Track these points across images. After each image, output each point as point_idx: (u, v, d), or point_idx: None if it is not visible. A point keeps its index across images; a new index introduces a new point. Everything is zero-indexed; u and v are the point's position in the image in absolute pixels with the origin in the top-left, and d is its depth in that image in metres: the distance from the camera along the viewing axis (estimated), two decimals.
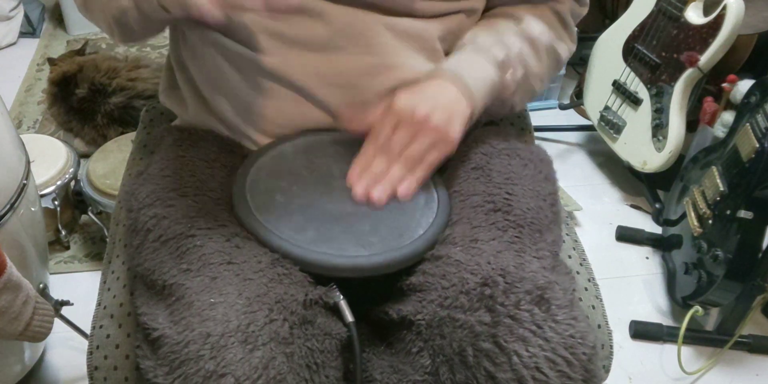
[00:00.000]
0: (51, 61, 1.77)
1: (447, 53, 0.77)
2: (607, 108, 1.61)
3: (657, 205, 1.59)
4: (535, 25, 0.77)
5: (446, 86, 0.69)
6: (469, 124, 0.70)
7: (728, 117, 1.31)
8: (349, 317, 0.62)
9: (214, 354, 0.53)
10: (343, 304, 0.62)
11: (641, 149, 1.52)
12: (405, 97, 0.67)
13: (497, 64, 0.73)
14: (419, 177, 0.66)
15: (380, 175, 0.65)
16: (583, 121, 1.86)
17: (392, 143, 0.66)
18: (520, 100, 0.79)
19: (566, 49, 0.82)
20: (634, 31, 1.51)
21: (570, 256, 0.80)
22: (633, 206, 1.67)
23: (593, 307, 0.75)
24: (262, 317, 0.56)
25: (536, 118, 1.58)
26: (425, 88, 0.69)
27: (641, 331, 1.34)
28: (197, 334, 0.55)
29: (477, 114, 0.71)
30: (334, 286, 0.63)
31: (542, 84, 0.81)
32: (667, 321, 1.37)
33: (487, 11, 0.81)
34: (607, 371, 0.73)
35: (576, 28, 0.83)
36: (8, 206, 0.92)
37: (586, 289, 0.77)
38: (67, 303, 1.03)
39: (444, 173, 0.75)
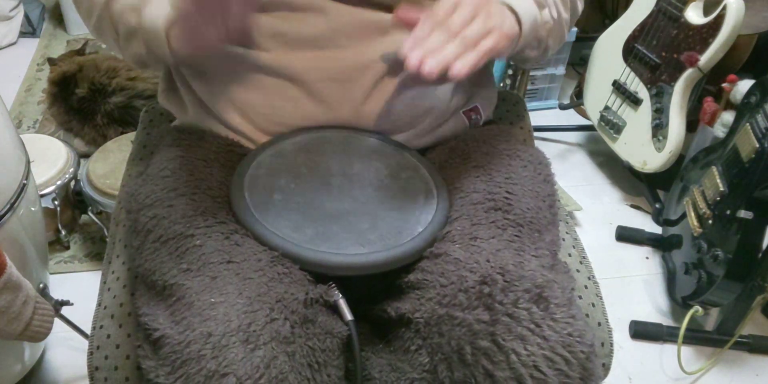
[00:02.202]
0: (51, 61, 1.77)
1: None
2: (607, 108, 1.61)
3: (657, 205, 1.60)
4: None
5: (496, 3, 0.68)
6: (513, 46, 0.69)
7: (728, 117, 1.31)
8: (348, 316, 0.62)
9: (215, 354, 0.53)
10: (342, 303, 0.62)
11: (641, 149, 1.52)
12: None
13: (537, 0, 0.72)
14: (472, 60, 0.63)
15: (435, 49, 0.62)
16: (583, 121, 1.87)
17: (454, 20, 0.63)
18: (553, 43, 0.79)
19: (581, 4, 0.83)
20: (634, 31, 1.51)
21: (570, 255, 0.80)
22: (633, 206, 1.67)
23: (593, 305, 0.75)
24: (263, 316, 0.56)
25: (536, 118, 1.58)
26: None
27: (641, 331, 1.34)
28: (198, 334, 0.55)
29: (521, 41, 0.70)
30: (333, 285, 0.63)
31: (567, 31, 0.81)
32: (667, 321, 1.37)
33: None
34: (608, 369, 0.73)
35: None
36: (8, 206, 0.92)
37: (586, 287, 0.77)
38: (67, 303, 1.03)
39: (444, 170, 0.76)
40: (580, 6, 0.84)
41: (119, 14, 0.72)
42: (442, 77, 0.62)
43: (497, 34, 0.64)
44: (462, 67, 0.62)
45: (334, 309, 0.63)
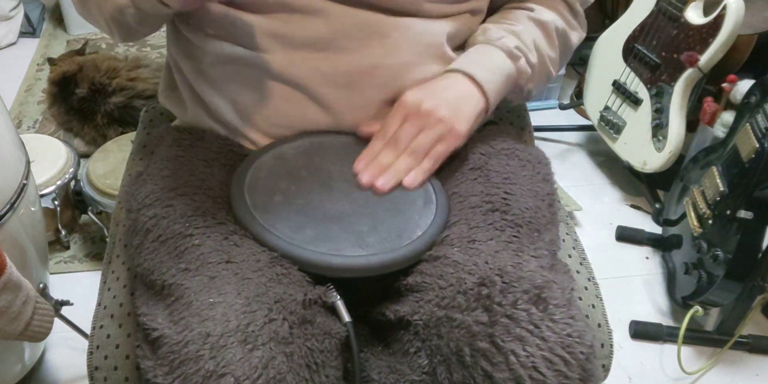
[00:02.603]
0: (51, 61, 1.77)
1: (452, 51, 0.77)
2: (607, 108, 1.61)
3: (657, 205, 1.59)
4: (546, 13, 0.79)
5: (457, 81, 0.72)
6: (485, 117, 0.73)
7: (728, 117, 1.31)
8: (346, 317, 0.62)
9: (213, 354, 0.53)
10: (340, 304, 0.62)
11: (641, 149, 1.52)
12: (412, 93, 0.70)
13: (510, 53, 0.74)
14: (426, 168, 0.70)
15: (386, 166, 0.69)
16: (583, 121, 1.87)
17: (399, 136, 0.69)
18: (536, 85, 0.80)
19: (577, 36, 0.84)
20: (634, 31, 1.51)
21: (570, 256, 0.80)
22: (633, 206, 1.67)
23: (593, 306, 0.75)
24: (261, 317, 0.56)
25: (536, 118, 1.58)
26: (434, 83, 0.72)
27: (641, 331, 1.34)
28: (197, 334, 0.55)
29: (494, 105, 0.73)
30: (331, 287, 0.63)
31: (556, 68, 0.82)
32: (667, 321, 1.37)
33: (496, 9, 0.82)
34: (607, 370, 0.73)
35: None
36: (8, 206, 0.92)
37: (586, 288, 0.77)
38: (67, 303, 1.03)
39: (442, 174, 0.76)
40: (576, 38, 0.83)
41: None
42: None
43: (449, 139, 0.70)
44: (413, 179, 0.69)
45: (333, 310, 0.63)
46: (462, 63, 0.74)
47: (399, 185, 0.70)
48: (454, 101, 0.70)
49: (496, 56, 0.74)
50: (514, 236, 0.66)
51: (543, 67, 0.79)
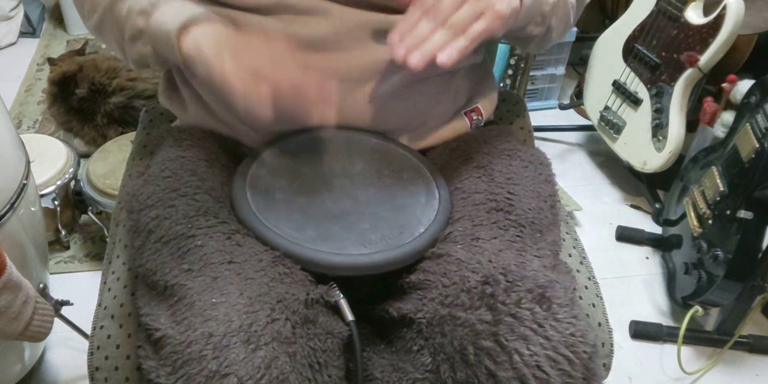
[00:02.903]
0: (51, 61, 1.77)
1: None
2: (607, 108, 1.61)
3: (657, 205, 1.60)
4: None
5: None
6: (515, 19, 0.68)
7: (728, 117, 1.32)
8: (349, 316, 0.62)
9: (216, 354, 0.53)
10: (343, 303, 0.62)
11: (641, 149, 1.52)
12: None
13: None
14: (461, 47, 0.63)
15: (423, 39, 0.63)
16: (583, 121, 1.87)
17: (441, 5, 0.63)
18: (557, 24, 0.77)
19: None
20: (634, 31, 1.51)
21: (570, 255, 0.80)
22: (633, 206, 1.67)
23: (593, 306, 0.75)
24: (264, 317, 0.56)
25: (536, 118, 1.58)
26: None
27: (641, 331, 1.34)
28: (199, 335, 0.55)
29: (523, 12, 0.68)
30: (334, 285, 0.63)
31: (573, 16, 0.79)
32: (667, 321, 1.37)
33: None
34: (608, 369, 0.74)
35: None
36: (8, 206, 0.92)
37: (586, 287, 0.77)
38: (67, 303, 1.03)
39: (445, 170, 0.76)
40: None
41: (125, 16, 0.70)
42: (434, 66, 0.62)
43: (489, 15, 0.63)
44: (448, 56, 0.62)
45: (335, 309, 0.63)
46: None
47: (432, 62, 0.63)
48: None
49: None
50: (518, 236, 0.66)
51: (564, 7, 0.76)
